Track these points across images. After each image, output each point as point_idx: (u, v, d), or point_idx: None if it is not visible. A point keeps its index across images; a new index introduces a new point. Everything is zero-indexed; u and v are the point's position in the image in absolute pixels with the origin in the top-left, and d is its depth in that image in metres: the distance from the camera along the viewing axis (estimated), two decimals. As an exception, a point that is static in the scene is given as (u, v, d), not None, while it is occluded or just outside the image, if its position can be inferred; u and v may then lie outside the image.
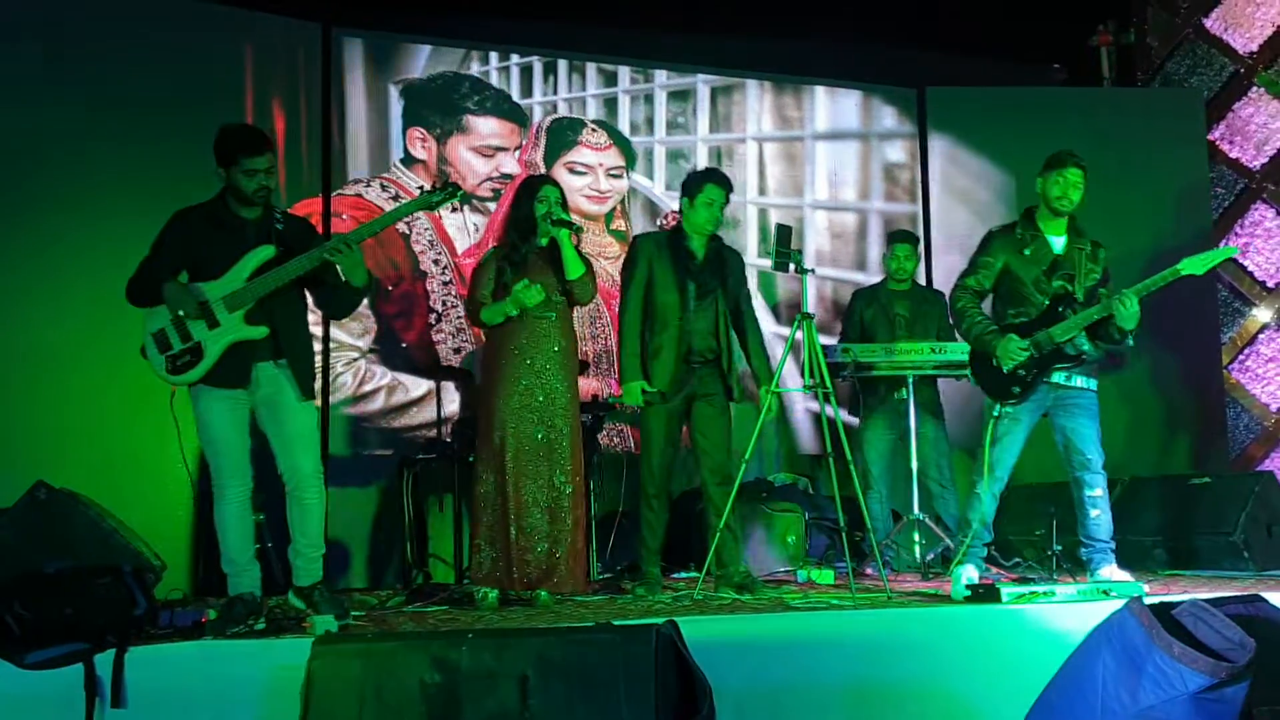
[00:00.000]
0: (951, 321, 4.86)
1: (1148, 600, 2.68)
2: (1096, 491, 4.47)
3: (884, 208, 7.26)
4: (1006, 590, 3.98)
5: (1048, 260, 4.51)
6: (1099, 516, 4.47)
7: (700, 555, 5.24)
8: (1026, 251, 4.52)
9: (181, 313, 3.83)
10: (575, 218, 6.42)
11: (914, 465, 5.69)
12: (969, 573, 4.40)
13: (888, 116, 7.34)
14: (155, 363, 3.88)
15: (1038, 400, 4.47)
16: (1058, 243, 4.55)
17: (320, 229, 6.04)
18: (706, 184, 4.80)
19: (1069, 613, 3.77)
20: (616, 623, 3.00)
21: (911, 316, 5.88)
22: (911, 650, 3.67)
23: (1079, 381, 4.49)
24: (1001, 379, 4.46)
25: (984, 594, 4.08)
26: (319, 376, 5.88)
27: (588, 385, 6.32)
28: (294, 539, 4.06)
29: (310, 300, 4.19)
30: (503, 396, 4.50)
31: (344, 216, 6.15)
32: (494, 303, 4.54)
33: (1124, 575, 4.42)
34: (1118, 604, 2.70)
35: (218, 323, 3.87)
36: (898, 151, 7.34)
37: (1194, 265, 4.38)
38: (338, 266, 3.98)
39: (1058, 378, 4.45)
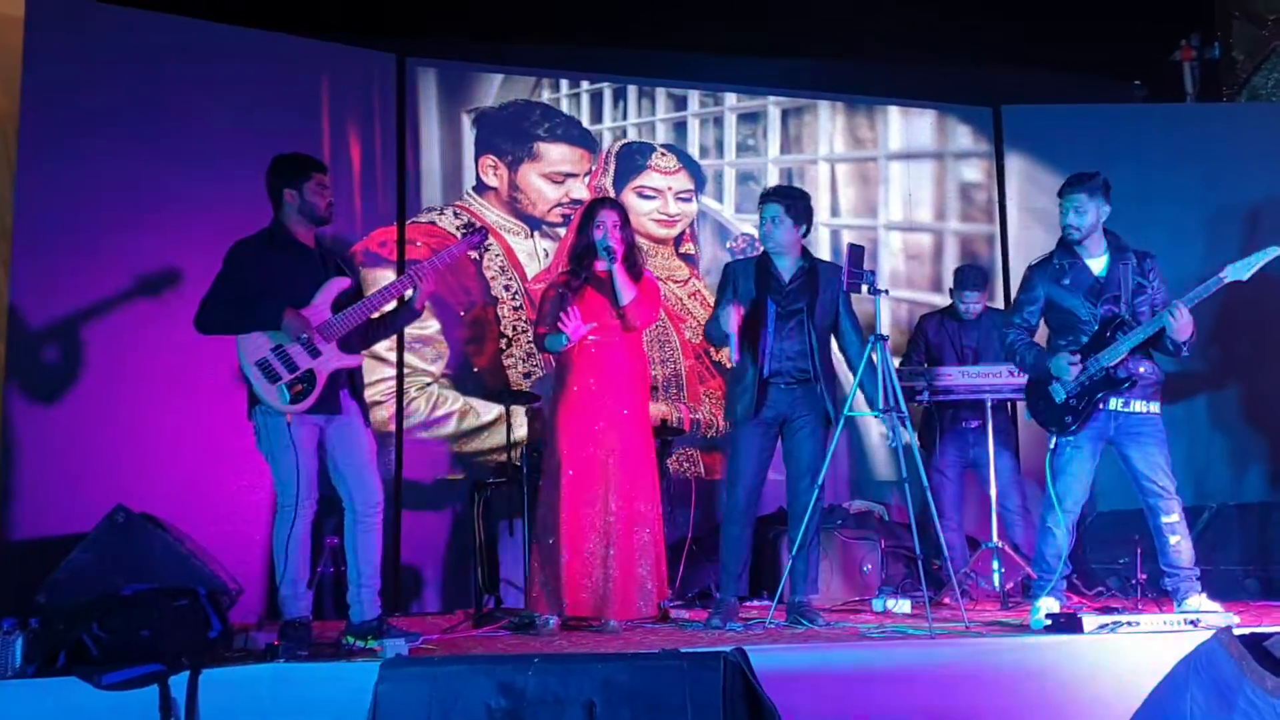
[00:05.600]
0: (1005, 359, 4.80)
1: (1238, 631, 2.58)
2: (1173, 518, 4.32)
3: (960, 228, 7.15)
4: (1089, 620, 3.87)
5: (1088, 284, 4.41)
6: (1179, 544, 4.32)
7: (773, 582, 5.17)
8: (1065, 280, 4.43)
9: (303, 338, 3.94)
10: (643, 241, 6.52)
11: (992, 492, 5.57)
12: (1048, 605, 4.29)
13: (963, 135, 7.24)
14: (268, 390, 3.94)
15: (1099, 428, 4.36)
16: (1097, 265, 4.45)
17: (394, 256, 6.17)
18: (760, 203, 4.78)
19: (1154, 644, 3.67)
20: (684, 650, 2.96)
21: (980, 347, 5.79)
22: (991, 682, 3.59)
23: (1139, 407, 4.36)
24: (1055, 410, 4.38)
25: (1065, 624, 3.97)
26: (393, 402, 6.01)
27: (656, 409, 6.29)
28: (359, 571, 4.08)
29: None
30: (565, 420, 4.51)
31: (418, 244, 6.21)
32: (554, 332, 4.57)
33: (1213, 605, 4.26)
34: (1205, 635, 2.59)
35: (319, 352, 3.99)
36: (974, 171, 7.23)
37: (1238, 271, 4.27)
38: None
39: (1115, 404, 4.34)
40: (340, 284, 4.10)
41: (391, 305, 4.33)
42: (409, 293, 4.25)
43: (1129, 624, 3.88)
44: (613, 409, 4.52)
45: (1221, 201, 6.90)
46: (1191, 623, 3.92)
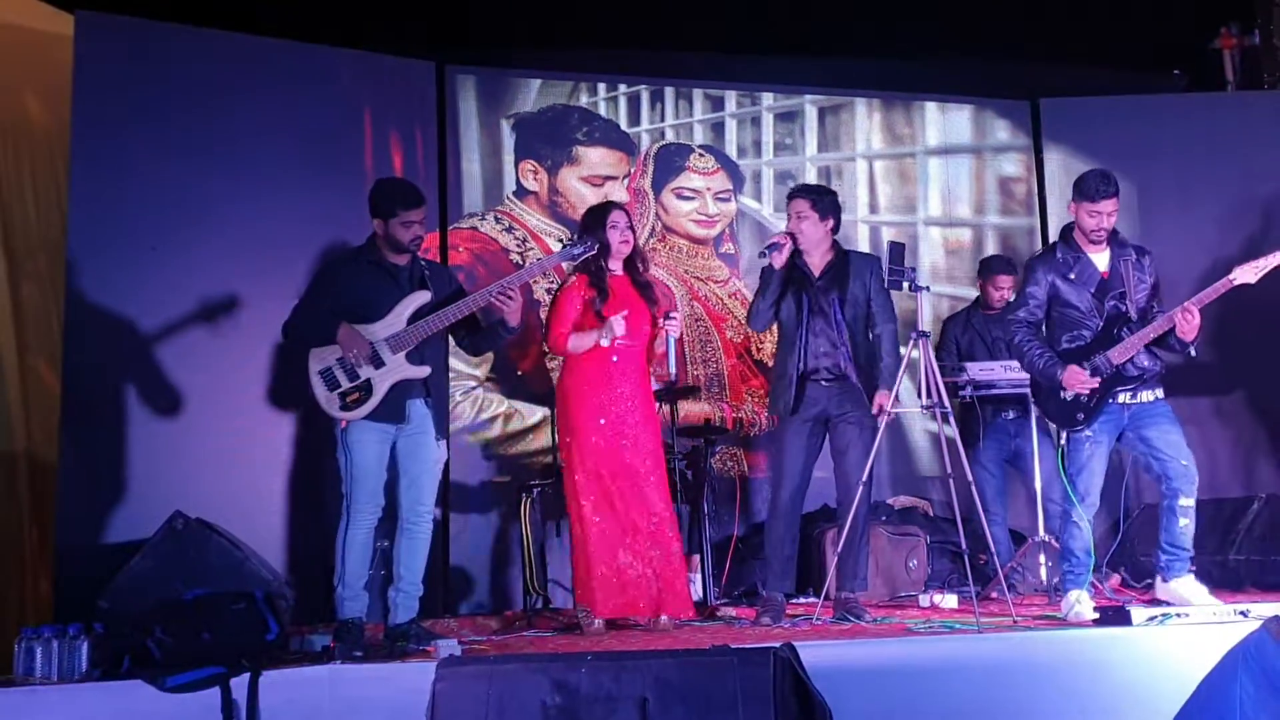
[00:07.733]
0: (1012, 356, 4.84)
1: (1288, 621, 2.58)
2: (1191, 501, 4.38)
3: (1000, 222, 7.13)
4: (1138, 612, 3.87)
5: (1094, 282, 4.44)
6: (1188, 526, 4.39)
7: (820, 579, 5.19)
8: (1072, 275, 4.45)
9: (355, 353, 4.09)
10: (683, 242, 6.58)
11: (1037, 486, 5.55)
12: (1081, 597, 4.35)
13: (1001, 129, 7.22)
14: (325, 397, 4.14)
15: (1114, 421, 4.41)
16: (1101, 260, 4.47)
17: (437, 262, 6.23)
18: (787, 200, 4.83)
19: (1203, 635, 3.65)
20: (734, 646, 3.00)
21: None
22: (1040, 676, 3.60)
23: (1146, 396, 4.42)
24: (1066, 406, 4.42)
25: (1113, 616, 3.98)
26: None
27: (700, 409, 6.33)
28: (400, 576, 4.21)
29: (452, 340, 4.51)
30: (589, 423, 4.56)
31: (460, 250, 6.28)
32: (581, 332, 4.61)
33: (1200, 587, 4.35)
34: (1254, 625, 2.60)
35: (384, 363, 4.13)
36: (1013, 165, 7.21)
37: (1246, 274, 4.30)
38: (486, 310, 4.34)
39: (1124, 397, 4.40)
40: (419, 298, 4.24)
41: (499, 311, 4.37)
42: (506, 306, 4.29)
43: (1178, 615, 3.88)
44: (635, 410, 4.58)
45: (1263, 190, 6.84)
46: (1241, 613, 3.92)
